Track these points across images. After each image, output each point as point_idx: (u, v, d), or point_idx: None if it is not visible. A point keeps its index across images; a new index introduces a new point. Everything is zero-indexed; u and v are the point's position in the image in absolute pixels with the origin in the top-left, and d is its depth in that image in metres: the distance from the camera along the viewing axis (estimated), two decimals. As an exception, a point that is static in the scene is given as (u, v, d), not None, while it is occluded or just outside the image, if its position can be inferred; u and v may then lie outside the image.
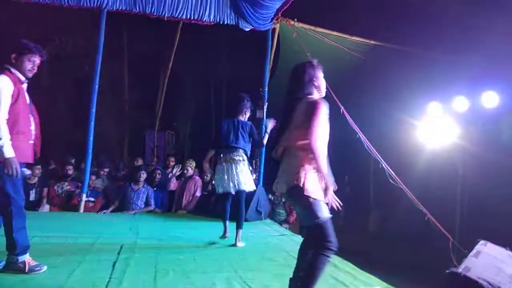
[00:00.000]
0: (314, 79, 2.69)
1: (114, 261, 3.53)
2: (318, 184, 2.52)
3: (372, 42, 7.49)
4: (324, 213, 2.48)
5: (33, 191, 6.51)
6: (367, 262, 4.28)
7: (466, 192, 7.23)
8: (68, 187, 6.79)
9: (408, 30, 7.31)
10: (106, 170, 7.39)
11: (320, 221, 2.45)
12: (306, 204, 2.48)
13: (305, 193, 2.45)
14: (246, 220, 5.94)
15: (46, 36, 11.86)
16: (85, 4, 6.73)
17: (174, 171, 7.44)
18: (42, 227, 4.91)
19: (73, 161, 7.39)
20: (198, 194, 6.99)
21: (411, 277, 5.54)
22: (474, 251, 3.55)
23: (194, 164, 7.27)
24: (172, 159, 8.11)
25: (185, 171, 7.13)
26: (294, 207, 2.59)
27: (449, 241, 5.88)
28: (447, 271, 3.57)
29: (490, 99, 6.36)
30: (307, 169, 2.50)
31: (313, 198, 2.47)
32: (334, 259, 3.98)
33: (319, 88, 2.72)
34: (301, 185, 2.45)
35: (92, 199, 6.70)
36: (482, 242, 3.75)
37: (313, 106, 2.56)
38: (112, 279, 3.05)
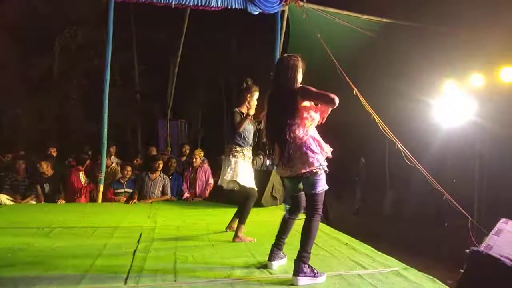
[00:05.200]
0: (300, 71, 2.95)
1: (134, 249, 3.58)
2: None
3: (384, 20, 7.30)
4: (324, 185, 2.89)
5: (47, 185, 6.61)
6: (385, 243, 4.26)
7: (484, 170, 7.11)
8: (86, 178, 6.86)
9: (421, 6, 7.11)
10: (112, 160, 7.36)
11: (321, 190, 2.87)
12: (318, 178, 2.85)
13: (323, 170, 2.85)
14: (261, 206, 5.99)
15: (56, 29, 11.96)
16: (92, -5, 6.70)
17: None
18: (62, 218, 5.01)
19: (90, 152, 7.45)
20: (211, 181, 7.04)
21: (430, 257, 5.51)
22: (495, 229, 3.50)
23: (202, 154, 7.28)
24: (187, 147, 8.14)
25: (194, 160, 7.13)
26: (302, 181, 2.90)
27: (468, 220, 5.80)
28: (467, 250, 3.54)
29: (507, 74, 6.18)
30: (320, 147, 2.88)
31: (324, 171, 2.85)
32: (352, 241, 3.97)
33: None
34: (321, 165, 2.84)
35: (129, 190, 6.75)
36: (503, 220, 3.69)
37: (308, 88, 2.87)
38: (133, 266, 3.10)
